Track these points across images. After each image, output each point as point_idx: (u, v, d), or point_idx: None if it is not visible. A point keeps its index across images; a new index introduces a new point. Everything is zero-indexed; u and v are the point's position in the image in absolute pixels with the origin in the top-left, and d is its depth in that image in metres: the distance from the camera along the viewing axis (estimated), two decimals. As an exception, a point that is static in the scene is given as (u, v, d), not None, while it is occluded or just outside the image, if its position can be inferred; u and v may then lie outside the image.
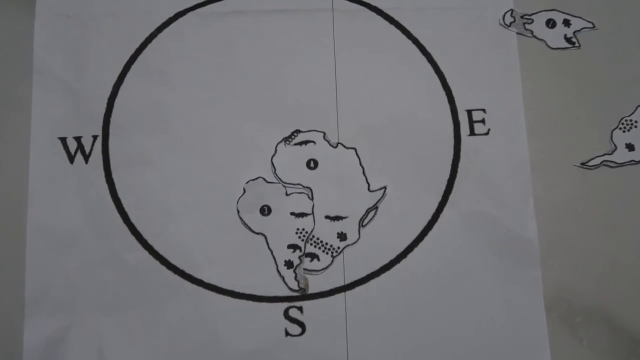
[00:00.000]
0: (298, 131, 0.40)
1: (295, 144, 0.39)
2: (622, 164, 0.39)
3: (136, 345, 0.37)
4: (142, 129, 0.40)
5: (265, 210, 0.38)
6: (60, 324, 0.37)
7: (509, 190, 0.39)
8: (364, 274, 0.39)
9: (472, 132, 0.40)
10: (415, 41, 0.41)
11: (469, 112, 0.40)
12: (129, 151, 0.40)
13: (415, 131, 0.40)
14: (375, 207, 0.39)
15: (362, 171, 0.40)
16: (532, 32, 0.41)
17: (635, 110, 0.40)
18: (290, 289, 0.38)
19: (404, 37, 0.41)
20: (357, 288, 0.38)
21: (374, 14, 0.41)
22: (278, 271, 0.38)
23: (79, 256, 0.38)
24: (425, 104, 0.40)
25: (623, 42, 0.41)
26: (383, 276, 0.38)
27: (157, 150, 0.40)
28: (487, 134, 0.40)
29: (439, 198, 0.39)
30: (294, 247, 0.38)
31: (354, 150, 0.40)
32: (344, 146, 0.40)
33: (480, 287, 0.38)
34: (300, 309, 0.37)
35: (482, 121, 0.40)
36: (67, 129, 0.39)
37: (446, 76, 0.41)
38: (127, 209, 0.39)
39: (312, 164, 0.39)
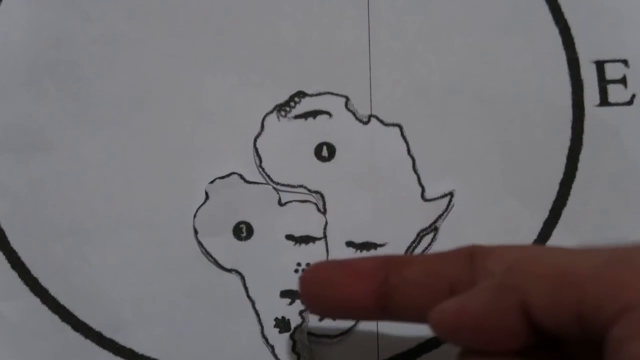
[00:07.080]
0: (302, 94, 0.33)
1: (297, 117, 0.34)
2: None
3: None
4: (29, 87, 0.33)
5: (244, 231, 0.32)
6: None
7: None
8: (412, 344, 0.31)
9: (604, 101, 0.34)
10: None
11: (601, 64, 0.34)
12: (5, 124, 0.33)
13: (504, 99, 0.34)
14: (433, 229, 0.32)
15: (411, 165, 0.33)
16: None
17: None
18: (285, 369, 0.31)
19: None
20: (400, 368, 0.31)
21: None
22: (264, 337, 0.31)
23: None
24: (523, 50, 0.34)
25: None
26: (446, 347, 0.31)
27: (57, 124, 0.33)
28: (630, 102, 0.34)
29: (545, 214, 0.32)
30: (291, 295, 0.32)
31: (397, 129, 0.33)
32: (381, 121, 0.33)
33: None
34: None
35: (623, 81, 0.34)
36: None
37: (560, 2, 0.34)
38: (3, 225, 0.32)
39: (325, 152, 0.33)
